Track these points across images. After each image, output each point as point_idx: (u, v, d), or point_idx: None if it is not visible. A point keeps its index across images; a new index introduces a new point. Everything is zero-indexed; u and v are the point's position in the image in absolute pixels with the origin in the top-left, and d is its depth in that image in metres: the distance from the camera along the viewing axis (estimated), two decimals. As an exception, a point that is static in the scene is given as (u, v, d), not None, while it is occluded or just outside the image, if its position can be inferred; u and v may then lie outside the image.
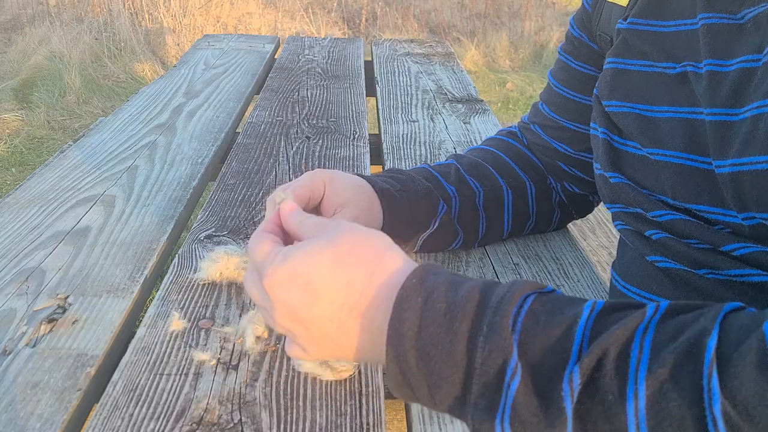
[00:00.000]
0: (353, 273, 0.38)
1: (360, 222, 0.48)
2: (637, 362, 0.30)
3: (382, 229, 0.59)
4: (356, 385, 0.51)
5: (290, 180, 0.89)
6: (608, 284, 0.69)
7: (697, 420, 0.28)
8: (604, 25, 0.62)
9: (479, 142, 1.09)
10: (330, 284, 0.38)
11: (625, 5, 0.58)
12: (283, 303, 0.39)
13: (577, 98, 0.68)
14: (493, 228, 0.70)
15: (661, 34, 0.53)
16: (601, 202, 0.72)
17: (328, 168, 0.94)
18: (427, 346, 0.35)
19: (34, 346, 0.55)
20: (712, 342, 0.30)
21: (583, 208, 0.76)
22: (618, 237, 0.62)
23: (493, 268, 0.69)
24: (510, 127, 0.80)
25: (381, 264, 0.38)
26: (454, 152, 1.02)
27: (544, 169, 0.73)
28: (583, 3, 0.66)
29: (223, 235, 0.74)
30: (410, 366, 0.36)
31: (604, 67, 0.59)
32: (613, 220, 0.59)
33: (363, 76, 1.45)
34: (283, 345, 0.55)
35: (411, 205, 0.62)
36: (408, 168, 0.97)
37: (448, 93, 1.33)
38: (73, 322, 0.58)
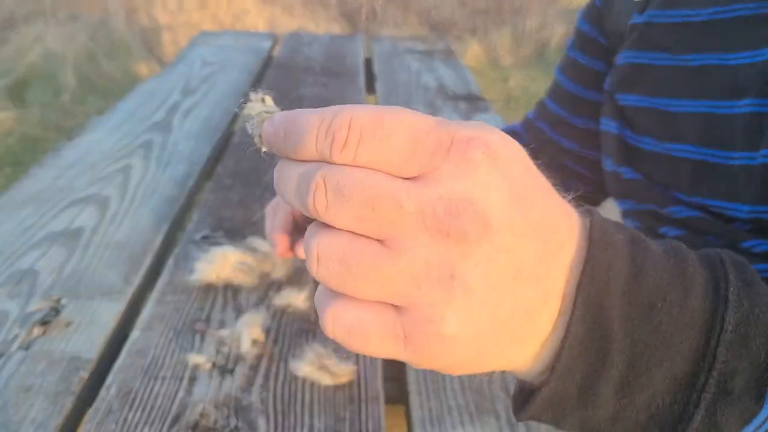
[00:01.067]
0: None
1: None
2: None
3: None
4: (355, 391, 0.50)
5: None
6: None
7: None
8: (616, 20, 0.61)
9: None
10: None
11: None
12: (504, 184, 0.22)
13: (587, 94, 0.68)
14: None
15: (685, 25, 0.52)
16: (605, 201, 0.71)
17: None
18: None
19: (27, 348, 0.54)
20: None
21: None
22: None
23: (494, 268, 0.68)
24: (513, 126, 0.80)
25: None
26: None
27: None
28: None
29: (219, 236, 0.73)
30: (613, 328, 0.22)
31: (617, 62, 0.57)
32: (623, 218, 0.59)
33: (362, 74, 1.44)
34: (281, 348, 0.54)
35: None
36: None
37: (449, 90, 1.32)
38: (67, 325, 0.57)
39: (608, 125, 0.57)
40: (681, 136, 0.49)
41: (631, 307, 0.22)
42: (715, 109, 0.47)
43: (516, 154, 0.22)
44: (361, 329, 0.21)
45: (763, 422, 0.22)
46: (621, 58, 0.57)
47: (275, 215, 0.59)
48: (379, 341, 0.21)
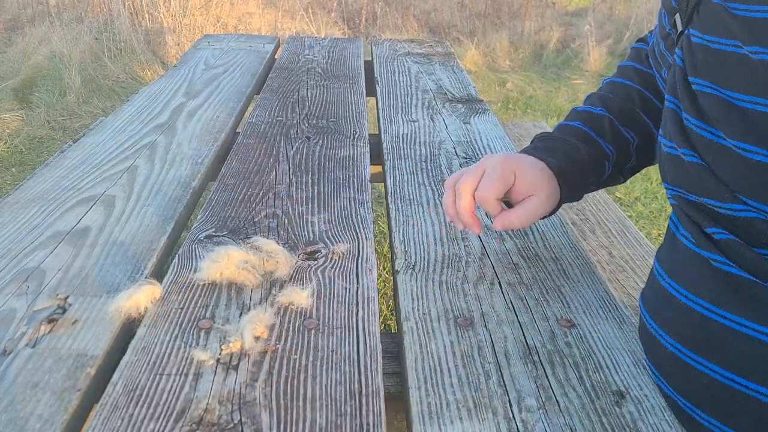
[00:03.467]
0: None
1: (546, 202, 0.64)
2: None
3: (558, 202, 0.68)
4: (356, 386, 0.51)
5: (289, 180, 0.89)
6: (607, 284, 0.69)
7: None
8: None
9: (481, 142, 1.10)
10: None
11: None
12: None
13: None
14: (641, 164, 0.74)
15: (751, 20, 0.47)
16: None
17: (329, 167, 0.94)
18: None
19: (34, 346, 0.55)
20: None
21: None
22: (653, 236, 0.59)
23: (494, 268, 0.69)
24: (646, 40, 0.74)
25: None
26: (454, 152, 1.02)
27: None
28: None
29: (223, 236, 0.74)
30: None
31: (692, 39, 0.51)
32: (671, 200, 0.55)
33: (363, 76, 1.45)
34: (284, 345, 0.55)
35: (582, 177, 0.68)
36: (408, 166, 0.97)
37: (448, 93, 1.33)
38: (73, 323, 0.58)
39: (672, 103, 0.52)
40: (747, 133, 0.45)
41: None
42: None
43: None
44: None
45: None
46: (695, 37, 0.51)
47: (465, 197, 0.65)
48: None
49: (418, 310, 0.61)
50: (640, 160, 0.73)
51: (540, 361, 0.55)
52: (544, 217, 0.68)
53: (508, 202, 0.68)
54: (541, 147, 0.70)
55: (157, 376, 0.51)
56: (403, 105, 1.25)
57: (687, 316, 0.51)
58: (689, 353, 0.51)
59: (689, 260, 0.51)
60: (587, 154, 0.68)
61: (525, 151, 0.70)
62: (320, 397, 0.49)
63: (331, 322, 0.59)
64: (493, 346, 0.56)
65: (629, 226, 1.26)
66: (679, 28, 0.54)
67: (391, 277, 0.82)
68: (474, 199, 0.64)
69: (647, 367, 0.55)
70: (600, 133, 0.70)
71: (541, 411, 0.49)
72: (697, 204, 0.50)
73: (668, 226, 0.57)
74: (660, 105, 0.69)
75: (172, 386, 0.50)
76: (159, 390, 0.49)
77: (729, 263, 0.47)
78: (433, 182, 0.91)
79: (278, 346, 0.55)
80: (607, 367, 0.54)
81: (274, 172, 0.92)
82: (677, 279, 0.53)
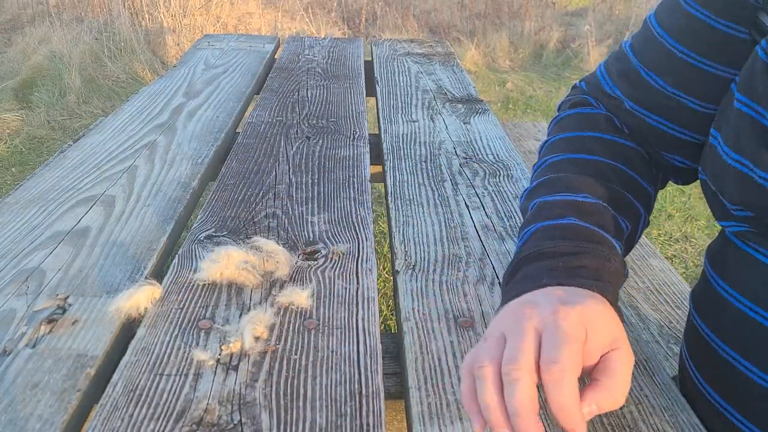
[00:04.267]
0: None
1: (629, 349, 0.41)
2: None
3: None
4: (356, 386, 0.51)
5: (289, 180, 0.89)
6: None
7: None
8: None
9: (481, 142, 1.10)
10: None
11: None
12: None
13: (711, 68, 0.51)
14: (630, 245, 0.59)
15: None
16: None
17: (329, 167, 0.94)
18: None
19: (33, 346, 0.55)
20: None
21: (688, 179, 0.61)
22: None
23: (493, 267, 0.69)
24: (592, 103, 0.62)
25: None
26: (454, 152, 1.02)
27: (651, 163, 0.59)
28: None
29: (223, 236, 0.74)
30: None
31: None
32: (728, 225, 0.47)
33: (363, 76, 1.45)
34: (284, 345, 0.55)
35: (615, 288, 0.49)
36: (408, 166, 0.97)
37: (448, 93, 1.33)
38: (73, 323, 0.58)
39: (749, 107, 0.44)
40: None
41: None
42: None
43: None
44: None
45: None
46: None
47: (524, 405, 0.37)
48: None
49: (418, 310, 0.61)
50: (626, 251, 0.57)
51: (540, 361, 0.54)
52: None
53: None
54: (577, 268, 0.47)
55: (157, 377, 0.51)
56: (403, 105, 1.25)
57: None
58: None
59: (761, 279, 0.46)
60: (613, 263, 0.49)
61: (553, 278, 0.46)
62: (320, 397, 0.49)
63: (331, 323, 0.59)
64: (494, 346, 0.56)
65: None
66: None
67: (391, 278, 0.82)
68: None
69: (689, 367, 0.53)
70: (610, 230, 0.52)
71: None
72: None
73: (738, 246, 0.49)
74: (636, 176, 0.56)
75: (172, 386, 0.50)
76: (159, 390, 0.49)
77: None
78: (433, 182, 0.91)
79: (278, 346, 0.55)
80: (608, 367, 0.54)
81: (274, 172, 0.92)
82: (743, 291, 0.48)
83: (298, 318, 0.59)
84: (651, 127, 0.56)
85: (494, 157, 1.01)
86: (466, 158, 1.00)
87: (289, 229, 0.76)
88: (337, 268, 0.68)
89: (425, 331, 0.58)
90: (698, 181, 0.54)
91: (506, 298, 0.47)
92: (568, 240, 0.49)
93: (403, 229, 0.77)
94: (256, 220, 0.78)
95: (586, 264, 0.47)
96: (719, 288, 0.52)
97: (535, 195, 0.56)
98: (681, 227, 2.32)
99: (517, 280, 0.48)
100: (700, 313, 0.55)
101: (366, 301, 0.62)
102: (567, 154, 0.57)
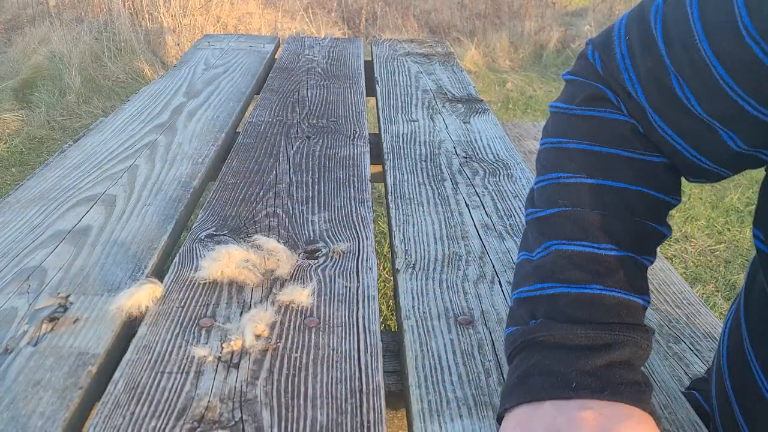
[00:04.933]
0: None
1: None
2: None
3: None
4: (357, 384, 0.51)
5: (290, 179, 0.90)
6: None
7: None
8: None
9: (481, 141, 1.10)
10: None
11: None
12: None
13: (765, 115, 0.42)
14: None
15: None
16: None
17: (329, 166, 0.94)
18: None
19: (35, 344, 0.55)
20: None
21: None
22: None
23: (493, 267, 0.69)
24: (612, 101, 0.51)
25: None
26: (454, 152, 1.02)
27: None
28: None
29: (224, 234, 0.74)
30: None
31: None
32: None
33: (363, 76, 1.45)
34: (284, 343, 0.55)
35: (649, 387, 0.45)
36: (408, 165, 0.98)
37: (448, 93, 1.33)
38: (75, 321, 0.58)
39: None
40: None
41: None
42: None
43: None
44: None
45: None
46: None
47: None
48: None
49: (419, 308, 0.62)
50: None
51: (540, 359, 0.55)
52: None
53: None
54: (610, 369, 0.42)
55: (159, 374, 0.51)
56: (403, 105, 1.25)
57: None
58: None
59: None
60: (647, 341, 0.45)
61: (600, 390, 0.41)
62: (321, 395, 0.49)
63: (331, 321, 0.59)
64: (494, 344, 0.57)
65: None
66: None
67: (391, 278, 0.83)
68: None
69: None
70: (639, 290, 0.47)
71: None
72: None
73: None
74: (663, 196, 0.50)
75: (173, 384, 0.50)
76: (160, 388, 0.50)
77: None
78: (433, 182, 0.91)
79: (279, 344, 0.55)
80: (607, 365, 0.54)
81: (274, 172, 0.92)
82: None
83: (298, 316, 0.59)
84: (677, 152, 0.48)
85: (494, 157, 1.01)
86: (466, 158, 1.00)
87: (290, 228, 0.76)
88: (338, 267, 0.68)
89: (425, 329, 0.58)
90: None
91: (524, 391, 0.42)
92: (596, 324, 0.44)
93: (404, 228, 0.78)
94: (256, 219, 0.78)
95: (619, 360, 0.42)
96: None
97: (548, 228, 0.50)
98: (681, 227, 2.32)
99: (539, 372, 0.43)
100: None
101: (366, 299, 0.62)
102: (586, 178, 0.50)
